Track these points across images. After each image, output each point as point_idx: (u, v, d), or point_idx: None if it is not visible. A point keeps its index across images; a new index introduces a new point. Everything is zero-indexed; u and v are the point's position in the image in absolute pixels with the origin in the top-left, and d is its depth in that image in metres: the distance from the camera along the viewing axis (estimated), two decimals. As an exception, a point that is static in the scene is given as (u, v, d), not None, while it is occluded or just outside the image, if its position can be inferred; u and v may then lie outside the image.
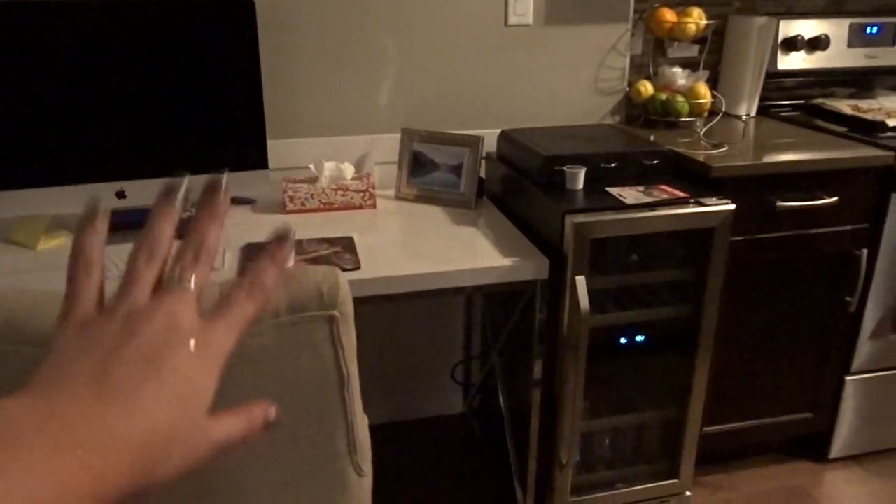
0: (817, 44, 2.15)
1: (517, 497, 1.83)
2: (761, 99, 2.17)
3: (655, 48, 2.16)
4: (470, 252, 1.57)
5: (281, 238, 0.41)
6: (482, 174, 1.90)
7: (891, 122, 1.96)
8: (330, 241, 1.59)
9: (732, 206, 1.60)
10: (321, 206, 1.81)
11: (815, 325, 1.94)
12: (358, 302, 0.87)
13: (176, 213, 0.40)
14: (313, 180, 1.83)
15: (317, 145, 1.96)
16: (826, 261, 1.87)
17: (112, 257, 1.48)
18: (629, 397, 1.81)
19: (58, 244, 1.60)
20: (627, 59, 2.13)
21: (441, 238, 1.65)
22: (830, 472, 2.11)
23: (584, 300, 1.54)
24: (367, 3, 1.90)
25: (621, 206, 1.55)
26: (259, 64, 1.63)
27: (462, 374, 2.33)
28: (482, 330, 2.22)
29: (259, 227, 1.71)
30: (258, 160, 1.68)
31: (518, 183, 1.77)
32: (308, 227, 1.70)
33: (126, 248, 1.54)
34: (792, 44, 2.14)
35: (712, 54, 2.19)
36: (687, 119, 2.06)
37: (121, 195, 1.62)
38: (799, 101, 2.28)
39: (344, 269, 1.41)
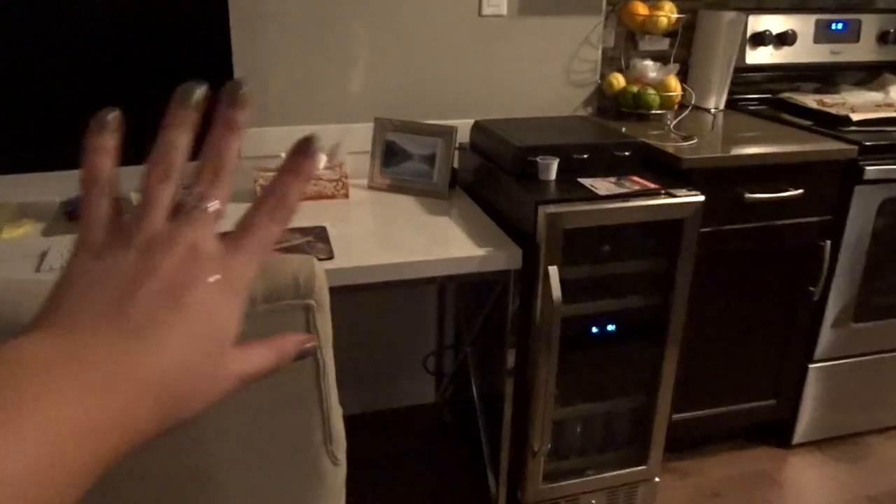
0: (784, 39, 2.19)
1: (490, 485, 1.85)
2: (730, 93, 2.20)
3: (627, 41, 2.18)
4: (443, 242, 1.58)
5: (305, 148, 0.37)
6: (455, 164, 1.90)
7: (855, 117, 2.01)
8: (302, 231, 1.58)
9: (702, 198, 1.62)
10: (294, 195, 1.80)
11: (779, 315, 1.99)
12: (331, 292, 0.87)
13: (192, 123, 0.36)
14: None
15: (288, 134, 1.94)
16: (791, 252, 1.91)
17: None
18: (600, 386, 1.84)
19: (23, 233, 1.56)
20: (600, 52, 2.14)
21: (414, 228, 1.65)
22: (793, 457, 2.16)
23: (556, 290, 1.55)
24: (341, -9, 1.89)
25: (594, 197, 1.57)
26: (231, 52, 1.61)
27: (435, 364, 2.33)
28: (455, 320, 2.23)
29: (230, 215, 1.69)
30: (230, 148, 1.66)
31: (491, 173, 1.78)
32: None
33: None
34: (760, 39, 2.18)
35: (683, 48, 2.22)
36: (657, 112, 2.09)
37: (88, 183, 1.59)
38: (766, 95, 2.33)
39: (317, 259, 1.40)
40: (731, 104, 2.23)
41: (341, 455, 1.04)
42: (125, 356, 0.30)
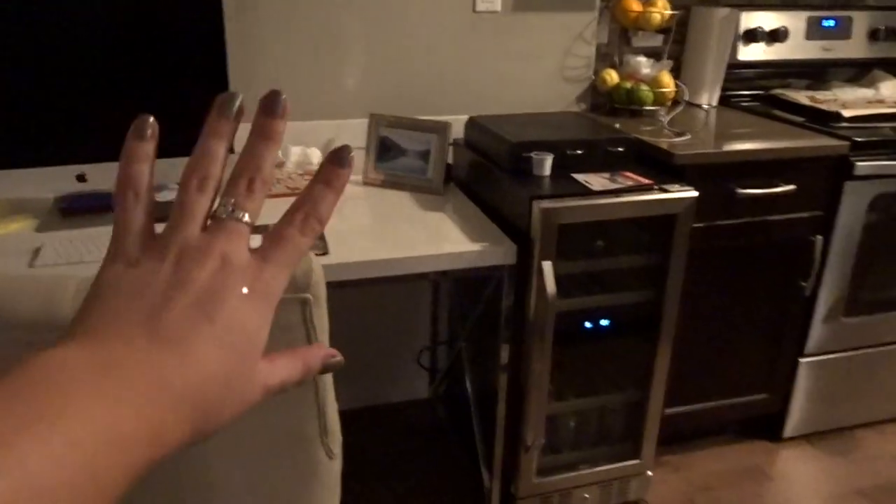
0: (776, 36, 2.21)
1: (484, 479, 1.86)
2: (722, 89, 2.21)
3: (621, 37, 2.18)
4: (437, 237, 1.58)
5: (339, 157, 0.37)
6: (449, 160, 1.91)
7: (846, 113, 2.02)
8: (297, 226, 1.58)
9: (695, 194, 1.63)
10: (287, 190, 1.80)
11: (771, 309, 2.00)
12: (325, 287, 0.87)
13: (231, 132, 0.36)
14: (279, 165, 1.81)
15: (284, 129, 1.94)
16: (782, 247, 1.93)
17: (75, 242, 1.46)
18: (593, 380, 1.85)
19: (16, 229, 1.56)
20: (593, 48, 2.15)
21: (408, 223, 1.65)
22: (784, 450, 2.18)
23: (550, 285, 1.56)
24: (335, -13, 1.89)
25: (588, 193, 1.58)
26: (224, 46, 1.60)
27: (429, 360, 2.34)
28: (449, 315, 2.24)
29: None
30: (224, 144, 1.66)
31: (485, 169, 1.79)
32: (274, 211, 1.67)
33: (89, 234, 1.52)
34: (752, 35, 2.19)
35: (676, 44, 2.23)
36: (651, 108, 2.10)
37: (81, 179, 1.58)
38: (758, 91, 2.34)
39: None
40: (724, 100, 2.24)
41: (337, 449, 1.04)
42: (158, 368, 0.30)
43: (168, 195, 1.75)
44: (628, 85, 2.09)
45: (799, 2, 2.32)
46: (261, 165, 0.36)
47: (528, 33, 2.07)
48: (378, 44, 1.97)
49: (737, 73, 2.26)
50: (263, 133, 0.36)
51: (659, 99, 2.10)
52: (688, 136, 1.86)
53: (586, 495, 1.86)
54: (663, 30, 2.17)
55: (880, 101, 2.18)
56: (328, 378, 0.96)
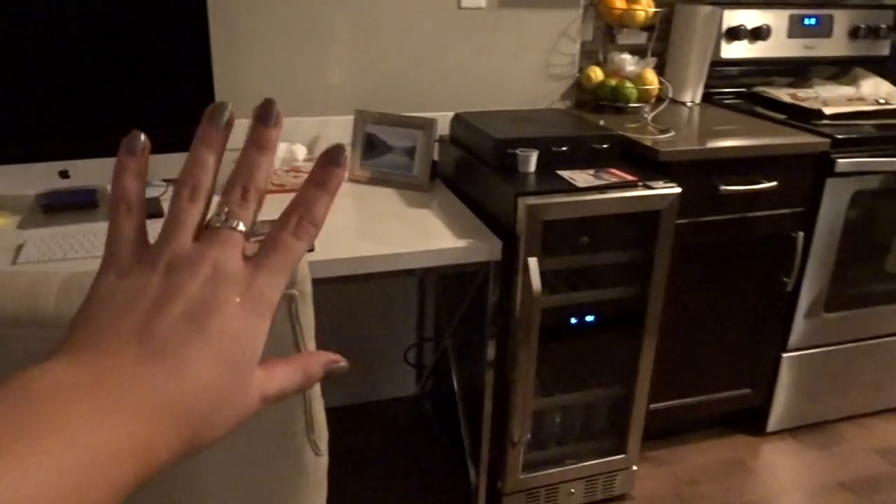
0: (759, 34, 2.23)
1: (470, 476, 1.86)
2: (705, 86, 2.23)
3: (605, 35, 2.19)
4: (423, 234, 1.58)
5: (334, 157, 0.36)
6: (435, 157, 1.91)
7: (827, 111, 2.05)
8: (283, 223, 1.58)
9: (679, 190, 1.65)
10: (273, 187, 1.79)
11: (753, 305, 2.03)
12: (312, 284, 0.87)
13: (221, 141, 0.36)
14: (265, 162, 1.81)
15: (268, 126, 1.93)
16: (765, 243, 1.95)
17: (58, 239, 1.44)
18: (579, 376, 1.86)
19: (-3, 226, 1.54)
20: (578, 45, 2.16)
21: (395, 220, 1.66)
22: (768, 444, 2.21)
23: (536, 281, 1.57)
24: (319, -17, 1.88)
25: (573, 189, 1.58)
26: (209, 42, 1.59)
27: (415, 357, 2.34)
28: (435, 312, 2.24)
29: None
30: (208, 141, 1.65)
31: (471, 165, 1.79)
32: (262, 209, 1.68)
33: (73, 231, 1.51)
34: (735, 33, 2.21)
35: (660, 41, 2.24)
36: (635, 105, 2.11)
37: (64, 175, 1.57)
38: (741, 88, 2.36)
39: (298, 251, 1.40)
40: (707, 98, 2.26)
41: (323, 445, 1.04)
42: (147, 382, 0.30)
43: (152, 192, 1.74)
44: (613, 82, 2.10)
45: (781, 0, 2.34)
46: (255, 174, 0.35)
47: (513, 30, 2.08)
48: (363, 40, 1.96)
49: (720, 71, 2.28)
50: (257, 142, 0.36)
51: (643, 96, 2.11)
52: (672, 133, 1.87)
53: (572, 490, 1.88)
54: (647, 27, 2.19)
55: (861, 99, 2.20)
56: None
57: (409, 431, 2.22)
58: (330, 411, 1.01)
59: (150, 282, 0.33)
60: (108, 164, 1.60)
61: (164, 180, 1.78)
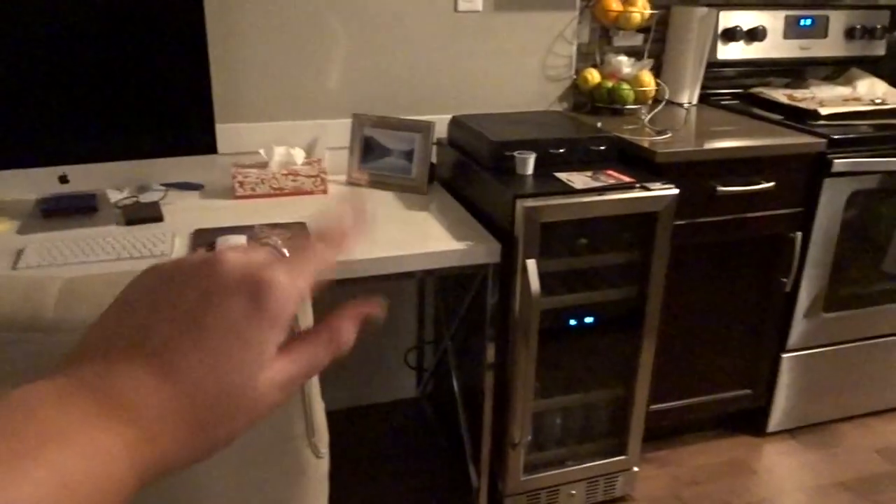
0: (755, 35, 2.23)
1: (471, 477, 1.86)
2: (702, 87, 2.24)
3: (601, 37, 2.20)
4: (422, 237, 1.59)
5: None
6: (433, 159, 1.91)
7: (823, 111, 2.05)
8: (281, 227, 1.58)
9: (676, 191, 1.65)
10: (272, 191, 1.80)
11: (752, 305, 2.03)
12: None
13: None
14: (263, 165, 1.81)
15: (266, 130, 1.94)
16: (763, 243, 1.95)
17: (58, 244, 1.45)
18: (579, 377, 1.86)
19: (-3, 231, 1.54)
20: (574, 47, 2.17)
21: (393, 223, 1.66)
22: (768, 445, 2.21)
23: (534, 283, 1.57)
24: (317, -12, 1.89)
25: (570, 191, 1.59)
26: (206, 47, 1.60)
27: (415, 359, 2.34)
28: (435, 315, 2.24)
29: (208, 212, 1.69)
30: (207, 145, 1.66)
31: (469, 168, 1.79)
32: (259, 212, 1.68)
33: (72, 235, 1.51)
34: (731, 34, 2.21)
35: (656, 43, 2.25)
36: (632, 106, 2.11)
37: (63, 180, 1.57)
38: (737, 89, 2.37)
39: (297, 254, 1.40)
40: (704, 99, 2.27)
41: (324, 448, 1.04)
42: (142, 385, 0.30)
43: (151, 196, 1.75)
44: (609, 84, 2.11)
45: (777, 1, 2.35)
46: (308, 247, 0.36)
47: (510, 33, 2.09)
48: (361, 44, 1.97)
49: (716, 72, 2.29)
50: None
51: (640, 98, 2.12)
52: (669, 135, 1.88)
53: (573, 492, 1.88)
54: (643, 29, 2.19)
55: (857, 99, 2.21)
56: (314, 377, 0.96)
57: (410, 433, 2.22)
58: (330, 414, 1.01)
59: (155, 288, 0.33)
60: (106, 169, 1.60)
61: (163, 185, 1.79)
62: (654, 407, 2.01)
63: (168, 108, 1.61)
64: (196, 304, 0.32)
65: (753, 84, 2.37)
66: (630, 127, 1.96)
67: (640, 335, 1.77)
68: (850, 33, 2.35)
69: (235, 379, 0.31)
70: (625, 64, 2.13)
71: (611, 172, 1.69)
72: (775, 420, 2.21)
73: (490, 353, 1.68)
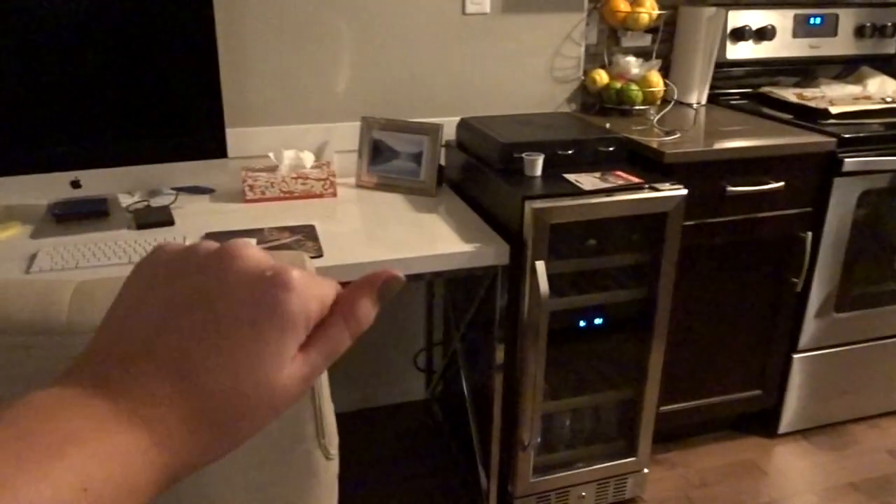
0: (764, 34, 2.23)
1: (481, 479, 1.87)
2: (711, 87, 2.23)
3: (609, 37, 2.20)
4: (431, 239, 1.59)
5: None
6: (442, 162, 1.92)
7: (833, 110, 2.04)
8: (291, 230, 1.59)
9: (685, 192, 1.65)
10: (281, 194, 1.81)
11: (762, 306, 2.02)
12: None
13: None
14: (273, 169, 1.82)
15: (275, 134, 1.95)
16: (773, 243, 1.94)
17: (70, 248, 1.46)
18: (588, 379, 1.86)
19: (11, 235, 1.56)
20: (582, 48, 2.17)
21: (402, 225, 1.66)
22: (779, 446, 2.20)
23: (543, 284, 1.57)
24: (325, -9, 1.90)
25: (579, 192, 1.59)
26: (216, 52, 1.61)
27: (425, 361, 2.35)
28: (444, 317, 2.24)
29: (218, 216, 1.70)
30: (217, 149, 1.67)
31: (477, 170, 1.80)
32: (268, 215, 1.69)
33: (84, 240, 1.52)
34: (740, 34, 2.21)
35: (664, 43, 2.24)
36: (640, 107, 2.11)
37: (76, 185, 1.59)
38: (746, 89, 2.36)
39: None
40: (713, 99, 2.26)
41: (334, 449, 1.05)
42: (154, 389, 0.29)
43: (162, 201, 1.76)
44: (618, 85, 2.11)
45: (786, 0, 2.34)
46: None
47: (518, 35, 2.09)
48: (369, 47, 1.98)
49: (725, 72, 2.28)
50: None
51: (648, 98, 2.12)
52: (677, 135, 1.87)
53: (583, 493, 1.87)
54: (651, 29, 2.19)
55: (867, 98, 2.20)
56: (324, 379, 0.97)
57: (419, 435, 2.22)
58: (340, 416, 1.02)
59: (167, 278, 0.32)
60: (118, 173, 1.62)
61: (174, 189, 1.80)
62: (664, 408, 2.00)
63: (178, 113, 1.63)
64: (212, 301, 0.31)
65: (763, 84, 2.36)
66: (639, 128, 1.95)
67: (649, 336, 1.77)
68: (860, 31, 2.34)
69: (254, 380, 0.30)
70: (633, 64, 2.13)
71: (619, 173, 1.69)
72: (786, 421, 2.20)
73: (499, 355, 1.68)
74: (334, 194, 1.84)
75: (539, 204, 1.54)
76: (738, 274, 1.96)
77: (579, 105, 2.22)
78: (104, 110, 1.57)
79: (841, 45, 2.33)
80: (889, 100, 2.15)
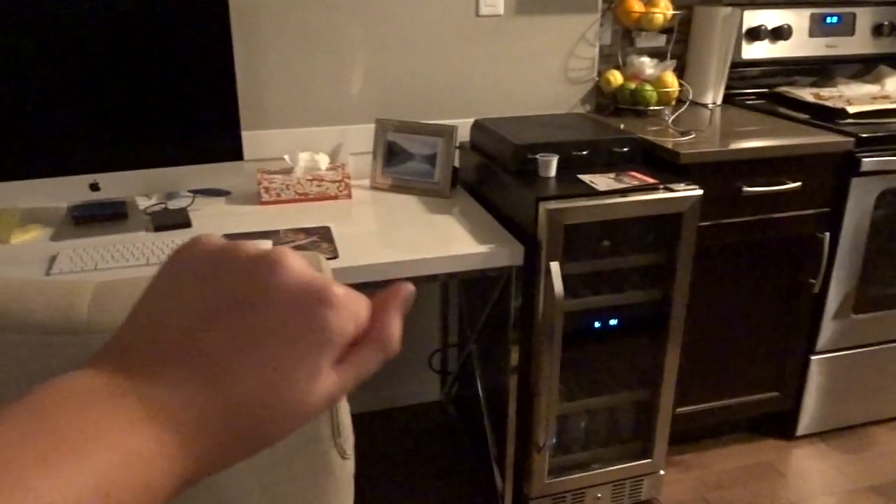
0: (780, 33, 2.21)
1: (496, 480, 1.87)
2: (726, 87, 2.22)
3: (624, 38, 2.20)
4: (445, 240, 1.59)
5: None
6: (456, 163, 1.92)
7: (850, 109, 2.02)
8: (307, 231, 1.60)
9: (700, 192, 1.64)
10: (297, 196, 1.82)
11: (780, 307, 2.00)
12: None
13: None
14: (288, 171, 1.84)
15: (291, 136, 1.96)
16: (790, 244, 1.93)
17: (89, 250, 1.48)
18: (603, 380, 1.85)
19: (31, 237, 1.58)
20: (597, 49, 2.16)
21: (417, 226, 1.67)
22: (797, 448, 2.18)
23: (558, 285, 1.57)
24: (339, -6, 1.91)
25: (593, 193, 1.59)
26: (232, 55, 1.63)
27: (439, 363, 2.35)
28: (459, 317, 2.25)
29: (235, 218, 1.71)
30: (233, 151, 1.69)
31: (491, 171, 1.80)
32: (284, 217, 1.71)
33: (104, 242, 1.54)
34: (755, 33, 2.19)
35: (679, 44, 2.24)
36: (655, 108, 2.10)
37: (94, 187, 1.61)
38: (763, 89, 2.34)
39: (322, 258, 1.42)
40: (728, 99, 2.25)
41: (349, 449, 1.05)
42: (183, 391, 0.28)
43: (179, 203, 1.78)
44: (632, 85, 2.10)
45: (802, -1, 2.32)
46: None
47: (532, 36, 2.09)
48: (383, 49, 1.99)
49: (741, 72, 2.27)
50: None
51: (663, 99, 2.11)
52: (692, 136, 1.86)
53: (599, 495, 1.87)
54: (666, 30, 2.18)
55: (885, 97, 2.18)
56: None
57: (434, 436, 2.22)
58: (355, 417, 1.03)
59: (205, 274, 0.31)
60: (136, 176, 1.64)
61: (191, 191, 1.82)
62: (679, 410, 1.99)
63: (195, 116, 1.64)
64: (254, 308, 0.30)
65: (779, 83, 2.34)
66: (653, 128, 1.95)
67: (665, 337, 1.76)
68: (877, 30, 2.31)
69: (284, 393, 0.30)
70: (647, 65, 2.12)
71: (634, 174, 1.68)
72: (804, 423, 2.18)
73: (514, 356, 1.68)
74: (349, 196, 1.85)
75: (553, 205, 1.54)
76: (754, 275, 1.94)
77: (593, 106, 2.22)
78: (122, 114, 1.59)
79: (858, 43, 2.31)
80: (908, 99, 2.13)
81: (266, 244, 1.49)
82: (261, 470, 0.97)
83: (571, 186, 1.62)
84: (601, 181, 1.64)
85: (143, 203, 1.77)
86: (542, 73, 2.14)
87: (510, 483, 1.82)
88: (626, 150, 1.76)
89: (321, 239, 1.56)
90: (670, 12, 2.09)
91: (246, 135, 1.85)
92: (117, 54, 1.55)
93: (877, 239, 1.99)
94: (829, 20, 2.26)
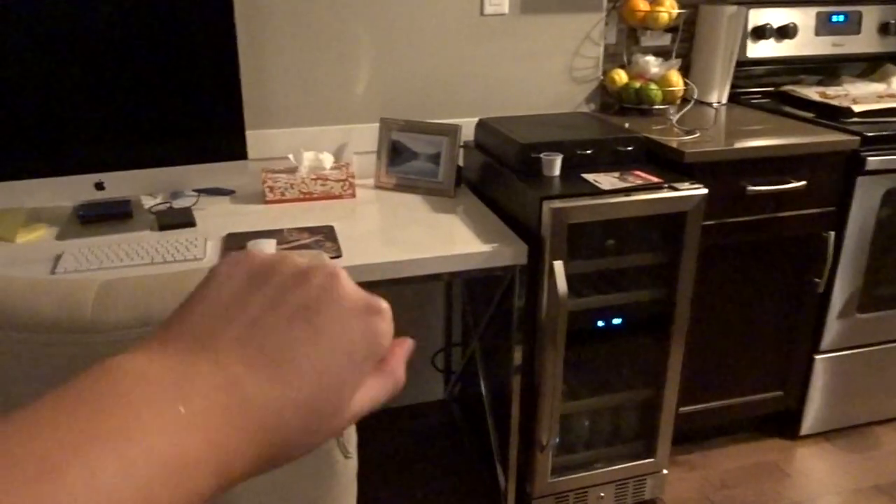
0: (786, 32, 2.20)
1: (499, 480, 1.87)
2: (732, 86, 2.21)
3: (629, 37, 2.19)
4: (449, 239, 1.59)
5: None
6: (460, 162, 1.92)
7: (856, 108, 2.02)
8: (311, 231, 1.60)
9: (705, 191, 1.64)
10: (301, 195, 1.82)
11: (784, 306, 2.00)
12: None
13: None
14: (292, 170, 1.84)
15: (295, 136, 1.96)
16: (795, 243, 1.92)
17: (94, 250, 1.49)
18: (607, 379, 1.85)
19: (37, 237, 1.59)
20: (601, 48, 2.16)
21: (420, 226, 1.67)
22: (801, 448, 2.17)
23: (562, 285, 1.57)
24: (344, -6, 1.91)
25: (597, 192, 1.58)
26: (237, 54, 1.63)
27: (443, 362, 2.35)
28: (462, 317, 2.25)
29: (239, 217, 1.72)
30: (237, 151, 1.69)
31: (495, 170, 1.80)
32: (288, 216, 1.71)
33: (109, 241, 1.55)
34: (761, 32, 2.19)
35: (684, 43, 2.23)
36: (660, 107, 2.10)
37: (99, 187, 1.62)
38: (768, 88, 2.34)
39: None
40: (734, 98, 2.24)
41: (352, 448, 1.06)
42: (242, 386, 0.28)
43: (184, 202, 1.78)
44: (637, 84, 2.10)
45: (808, -2, 2.31)
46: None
47: (536, 35, 2.09)
48: (388, 49, 1.99)
49: (746, 71, 2.26)
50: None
51: (668, 98, 2.10)
52: (697, 134, 1.86)
53: (602, 494, 1.87)
54: (671, 28, 2.18)
55: (891, 96, 2.17)
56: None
57: (438, 436, 2.23)
58: (358, 414, 1.03)
59: (266, 283, 0.32)
60: (140, 175, 1.64)
61: (195, 190, 1.82)
62: (683, 409, 1.99)
63: (200, 116, 1.65)
64: (317, 312, 0.30)
65: (785, 82, 2.33)
66: (658, 127, 1.95)
67: (668, 336, 1.76)
68: (884, 29, 2.30)
69: (333, 398, 0.30)
70: (652, 64, 2.12)
71: (638, 173, 1.68)
72: (808, 423, 2.18)
73: (517, 355, 1.68)
74: (353, 195, 1.85)
75: (557, 204, 1.54)
76: (758, 274, 1.94)
77: (598, 105, 2.21)
78: (127, 114, 1.59)
79: (864, 42, 2.30)
80: (914, 97, 2.12)
81: (270, 244, 1.49)
82: (264, 468, 0.98)
83: (575, 185, 1.61)
84: (605, 180, 1.63)
85: (147, 202, 1.77)
86: (547, 73, 2.14)
87: (513, 482, 1.82)
88: (630, 149, 1.76)
89: (325, 238, 1.56)
90: (675, 11, 2.09)
91: (250, 134, 1.85)
92: (122, 54, 1.55)
93: (882, 238, 1.98)
94: (835, 19, 2.25)
